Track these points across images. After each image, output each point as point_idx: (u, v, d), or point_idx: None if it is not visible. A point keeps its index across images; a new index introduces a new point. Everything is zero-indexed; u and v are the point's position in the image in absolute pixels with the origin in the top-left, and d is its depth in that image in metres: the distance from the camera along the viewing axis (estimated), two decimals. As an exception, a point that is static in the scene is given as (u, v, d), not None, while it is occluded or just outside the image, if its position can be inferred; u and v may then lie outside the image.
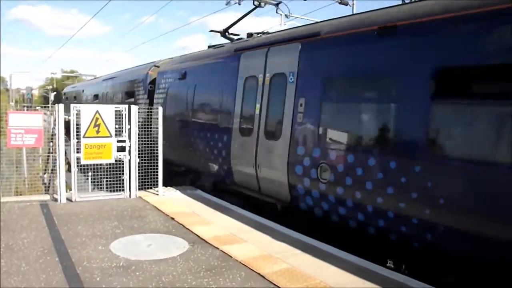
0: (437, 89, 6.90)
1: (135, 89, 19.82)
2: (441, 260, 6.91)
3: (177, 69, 15.63)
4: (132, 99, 19.33)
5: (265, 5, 14.07)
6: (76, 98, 35.28)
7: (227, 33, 14.45)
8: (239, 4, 14.51)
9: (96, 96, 28.45)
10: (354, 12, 21.87)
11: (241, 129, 11.40)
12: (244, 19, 13.82)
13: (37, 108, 20.90)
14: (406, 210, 7.16)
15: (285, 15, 21.02)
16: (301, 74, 9.69)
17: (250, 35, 13.01)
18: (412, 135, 7.27)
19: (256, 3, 13.66)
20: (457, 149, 6.64)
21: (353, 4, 23.98)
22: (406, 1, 9.26)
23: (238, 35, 14.28)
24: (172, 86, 15.73)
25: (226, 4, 14.97)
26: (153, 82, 17.70)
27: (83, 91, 34.63)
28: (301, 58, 9.75)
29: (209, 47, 15.19)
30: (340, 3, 23.96)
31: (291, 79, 9.90)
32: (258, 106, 10.87)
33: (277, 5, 15.06)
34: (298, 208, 9.66)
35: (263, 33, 12.61)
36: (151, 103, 16.51)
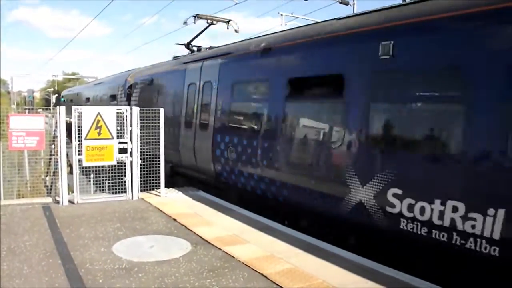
0: (288, 92, 10.10)
1: (118, 92, 23.36)
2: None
3: (147, 76, 19.34)
4: (115, 101, 23.09)
5: (217, 22, 17.92)
6: (73, 101, 39.16)
7: (190, 45, 18.06)
8: (195, 23, 17.67)
9: (88, 99, 32.68)
10: (355, 12, 21.95)
11: (186, 123, 14.71)
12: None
13: (39, 110, 20.93)
14: (275, 176, 10.27)
15: (287, 15, 21.82)
16: (220, 81, 12.92)
17: (199, 49, 17.24)
18: (275, 124, 10.32)
19: (209, 21, 17.60)
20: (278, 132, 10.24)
21: (353, 4, 23.99)
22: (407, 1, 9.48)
23: (199, 47, 17.72)
24: (143, 90, 19.45)
25: (184, 24, 18.46)
26: (131, 86, 21.00)
27: (77, 94, 39.58)
28: (220, 70, 13.01)
29: (173, 58, 18.69)
30: (341, 3, 24.03)
31: (214, 85, 13.11)
32: (195, 106, 14.20)
33: (227, 22, 18.38)
34: (220, 180, 12.71)
35: (210, 47, 16.00)
36: (129, 104, 18.29)
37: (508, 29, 5.99)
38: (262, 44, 11.36)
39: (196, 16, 17.29)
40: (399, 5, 8.35)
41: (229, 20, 18.05)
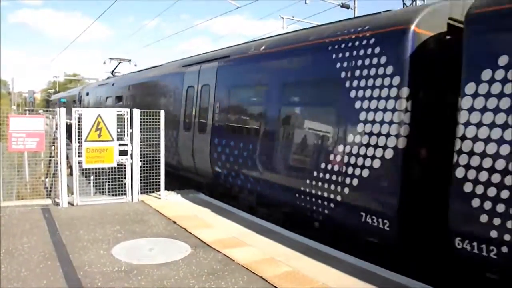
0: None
1: (76, 99, 33.51)
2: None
3: (86, 89, 30.19)
4: (75, 105, 31.16)
5: (122, 61, 28.46)
6: (56, 104, 47.53)
7: (113, 73, 28.77)
8: (104, 63, 29.05)
9: (64, 102, 42.57)
10: (356, 15, 21.98)
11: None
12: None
13: (39, 111, 20.94)
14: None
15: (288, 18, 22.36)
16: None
17: (113, 74, 28.42)
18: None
19: (117, 62, 28.74)
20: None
21: (354, 7, 23.99)
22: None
23: (114, 74, 29.29)
24: (85, 99, 31.37)
25: (104, 63, 29.01)
26: (81, 96, 31.95)
27: (59, 98, 49.41)
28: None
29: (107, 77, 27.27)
30: (342, 6, 24.04)
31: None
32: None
33: (129, 61, 27.58)
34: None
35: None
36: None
37: None
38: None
39: (111, 59, 28.98)
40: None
41: (130, 60, 29.23)
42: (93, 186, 12.05)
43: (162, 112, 12.01)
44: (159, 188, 12.06)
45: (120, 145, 11.31)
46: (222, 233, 8.87)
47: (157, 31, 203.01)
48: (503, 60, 6.06)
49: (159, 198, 11.97)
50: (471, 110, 6.42)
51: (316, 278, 6.53)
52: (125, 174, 11.49)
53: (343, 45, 8.69)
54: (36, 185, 12.63)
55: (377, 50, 7.98)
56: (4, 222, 9.21)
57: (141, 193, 11.86)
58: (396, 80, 7.55)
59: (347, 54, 8.55)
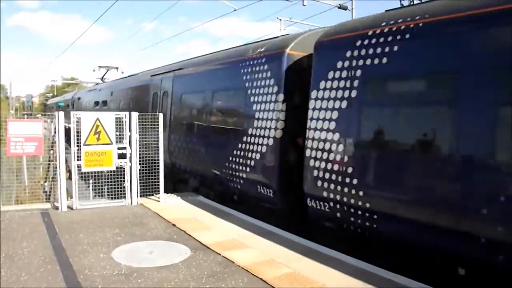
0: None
1: (70, 103, 37.78)
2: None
3: (78, 95, 32.88)
4: (69, 109, 35.41)
5: (110, 69, 34.41)
6: (52, 108, 53.02)
7: (103, 79, 34.62)
8: (94, 71, 34.20)
9: (59, 106, 46.64)
10: (353, 17, 22.07)
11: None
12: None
13: (38, 115, 21.00)
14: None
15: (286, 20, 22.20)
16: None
17: (102, 81, 33.11)
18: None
19: (105, 69, 34.75)
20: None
21: (352, 9, 24.01)
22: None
23: (104, 80, 33.95)
24: (77, 103, 36.46)
25: (93, 70, 34.49)
26: (73, 100, 35.60)
27: (55, 102, 55.55)
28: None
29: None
30: (339, 7, 24.07)
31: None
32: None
33: (116, 68, 33.04)
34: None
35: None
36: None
37: None
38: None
39: (99, 66, 35.12)
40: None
41: (117, 67, 34.72)
42: (92, 189, 12.04)
43: (161, 115, 12.03)
44: (158, 191, 12.05)
45: (118, 148, 11.31)
46: (221, 235, 8.88)
47: (156, 33, 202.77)
48: (331, 74, 8.90)
49: (158, 201, 11.97)
50: (313, 109, 9.25)
51: (316, 279, 6.53)
52: (124, 178, 11.49)
53: (247, 62, 11.68)
54: (35, 189, 12.63)
55: (266, 66, 10.92)
56: (3, 226, 9.21)
57: (140, 196, 11.86)
58: (276, 88, 10.46)
59: (249, 69, 11.51)
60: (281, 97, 10.30)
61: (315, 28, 12.30)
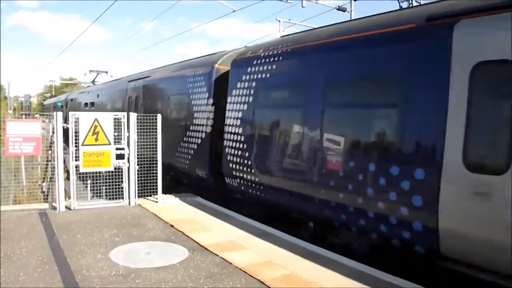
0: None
1: (64, 103, 39.62)
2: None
3: (72, 96, 34.89)
4: (63, 109, 36.83)
5: (100, 73, 40.79)
6: (49, 109, 54.57)
7: (94, 82, 40.60)
8: (85, 74, 39.25)
9: (55, 106, 48.39)
10: (352, 18, 22.13)
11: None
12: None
13: (36, 115, 21.00)
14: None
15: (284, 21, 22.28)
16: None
17: (93, 83, 39.36)
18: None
19: (96, 73, 41.30)
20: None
21: (351, 11, 24.03)
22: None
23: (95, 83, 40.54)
24: (72, 103, 36.58)
25: (85, 74, 38.53)
26: (67, 101, 37.15)
27: (52, 103, 57.26)
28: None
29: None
30: (338, 9, 24.08)
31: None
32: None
33: (106, 72, 37.16)
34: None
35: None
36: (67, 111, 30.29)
37: None
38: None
39: (90, 71, 39.80)
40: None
41: (107, 71, 39.35)
42: (90, 190, 12.04)
43: (159, 116, 12.05)
44: (156, 191, 12.06)
45: (117, 148, 11.31)
46: (219, 237, 8.88)
47: (155, 33, 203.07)
48: (238, 84, 11.69)
49: (156, 201, 11.98)
50: (229, 110, 12.00)
51: (314, 281, 6.53)
52: (122, 178, 11.49)
53: (190, 74, 14.56)
54: (33, 190, 12.62)
55: (202, 77, 13.76)
56: (1, 226, 9.20)
57: (138, 197, 11.86)
58: (207, 94, 13.28)
59: (192, 79, 14.30)
60: (210, 101, 13.13)
61: (242, 47, 14.73)
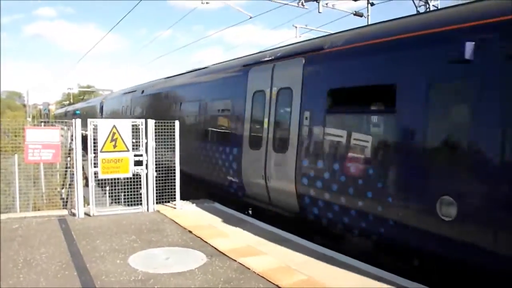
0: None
1: (98, 108, 37.57)
2: None
3: (108, 100, 35.26)
4: (97, 112, 37.26)
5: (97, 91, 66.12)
6: (66, 116, 58.93)
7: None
8: (74, 88, 57.04)
9: (74, 114, 51.49)
10: (369, 23, 22.05)
11: None
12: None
13: (54, 123, 21.24)
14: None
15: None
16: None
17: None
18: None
19: (91, 89, 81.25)
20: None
21: (368, 16, 23.92)
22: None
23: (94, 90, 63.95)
24: (107, 107, 34.68)
25: (85, 96, 50.71)
26: (102, 105, 35.87)
27: (67, 110, 62.75)
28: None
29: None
30: (355, 14, 23.99)
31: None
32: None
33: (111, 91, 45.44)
34: None
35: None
36: (101, 115, 34.27)
37: None
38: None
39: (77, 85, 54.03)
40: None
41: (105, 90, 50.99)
42: (109, 196, 12.11)
43: (177, 123, 12.07)
44: (175, 198, 12.11)
45: (135, 155, 11.39)
46: (237, 242, 8.88)
47: (171, 40, 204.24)
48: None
49: (175, 207, 12.02)
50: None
51: (332, 286, 6.51)
52: (140, 184, 11.56)
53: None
54: (52, 196, 12.73)
55: None
56: (21, 232, 9.32)
57: (157, 203, 11.93)
58: None
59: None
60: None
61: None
